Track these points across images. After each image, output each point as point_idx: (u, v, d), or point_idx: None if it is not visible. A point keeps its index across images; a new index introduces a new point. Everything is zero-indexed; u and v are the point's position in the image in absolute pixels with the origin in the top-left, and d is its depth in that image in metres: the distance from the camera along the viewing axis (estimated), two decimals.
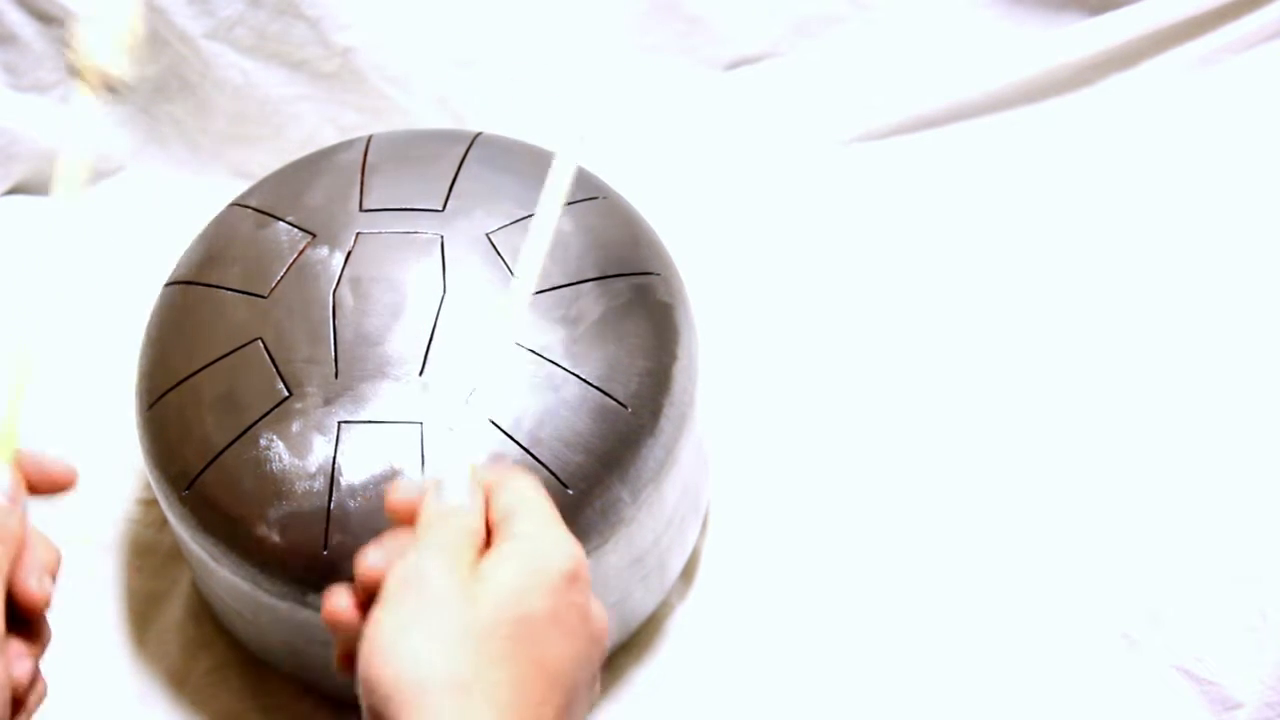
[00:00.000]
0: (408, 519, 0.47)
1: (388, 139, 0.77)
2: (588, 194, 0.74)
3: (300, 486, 0.64)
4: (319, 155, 0.77)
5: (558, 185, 0.51)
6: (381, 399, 0.65)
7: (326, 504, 0.63)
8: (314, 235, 0.70)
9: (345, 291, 0.68)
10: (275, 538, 0.64)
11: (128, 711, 0.74)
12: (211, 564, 0.67)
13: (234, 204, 0.75)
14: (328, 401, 0.65)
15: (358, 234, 0.70)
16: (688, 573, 0.78)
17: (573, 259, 0.69)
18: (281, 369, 0.66)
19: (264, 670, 0.75)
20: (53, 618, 0.48)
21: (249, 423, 0.65)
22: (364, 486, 0.63)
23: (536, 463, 0.64)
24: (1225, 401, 0.83)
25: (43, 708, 0.47)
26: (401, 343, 0.66)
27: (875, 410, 0.86)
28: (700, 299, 0.75)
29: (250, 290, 0.69)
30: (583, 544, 0.64)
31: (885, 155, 1.01)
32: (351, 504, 0.63)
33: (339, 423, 0.64)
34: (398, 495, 0.48)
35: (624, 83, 1.04)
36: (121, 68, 0.53)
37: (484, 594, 0.43)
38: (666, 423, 0.67)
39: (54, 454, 0.48)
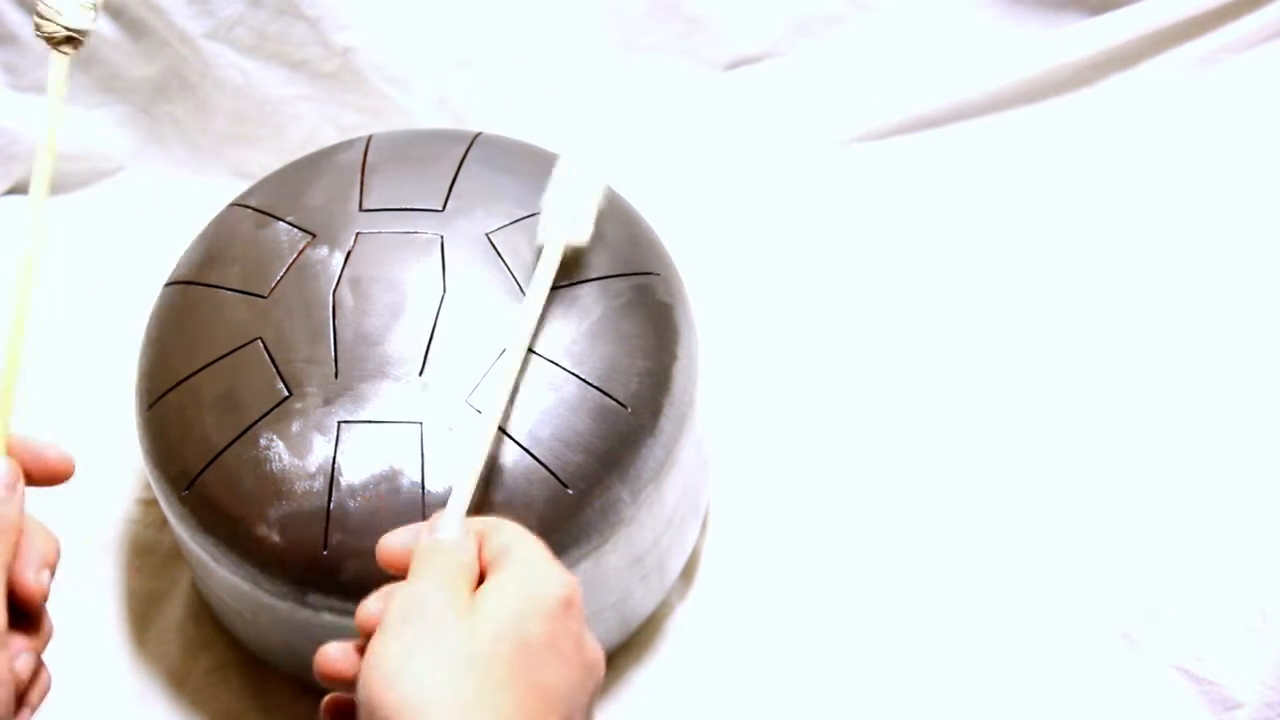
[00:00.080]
0: (401, 567, 0.47)
1: (388, 139, 0.77)
2: None
3: (300, 486, 0.64)
4: (319, 155, 0.77)
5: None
6: (381, 399, 0.65)
7: (326, 504, 0.63)
8: (314, 235, 0.70)
9: (345, 291, 0.68)
10: (275, 538, 0.64)
11: (128, 711, 0.74)
12: (211, 564, 0.67)
13: (234, 204, 0.75)
14: (328, 401, 0.65)
15: (358, 234, 0.70)
16: (688, 573, 0.78)
17: (573, 259, 0.69)
18: (281, 369, 0.66)
19: (264, 670, 0.75)
20: (52, 618, 0.48)
21: (249, 423, 0.65)
22: (364, 486, 0.63)
23: (536, 463, 0.64)
24: (1225, 402, 0.83)
25: (44, 705, 0.47)
26: (401, 343, 0.66)
27: (875, 410, 0.86)
28: (700, 299, 0.75)
29: (250, 290, 0.69)
30: (583, 544, 0.65)
31: (885, 155, 1.01)
32: (351, 504, 0.63)
33: (339, 423, 0.64)
34: (390, 545, 0.48)
35: (624, 83, 1.04)
36: (82, 20, 0.53)
37: (483, 620, 0.43)
38: (666, 423, 0.67)
39: (50, 442, 0.47)
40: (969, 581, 0.77)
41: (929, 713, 0.72)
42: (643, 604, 0.74)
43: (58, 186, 1.01)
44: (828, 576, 0.78)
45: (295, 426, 0.65)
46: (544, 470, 0.64)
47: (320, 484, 0.63)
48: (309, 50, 0.96)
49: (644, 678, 0.75)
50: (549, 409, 0.65)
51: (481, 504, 0.62)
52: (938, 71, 1.03)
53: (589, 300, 0.68)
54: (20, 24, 0.96)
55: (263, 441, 0.65)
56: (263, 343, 0.67)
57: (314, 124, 0.99)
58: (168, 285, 0.74)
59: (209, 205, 0.77)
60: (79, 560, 0.78)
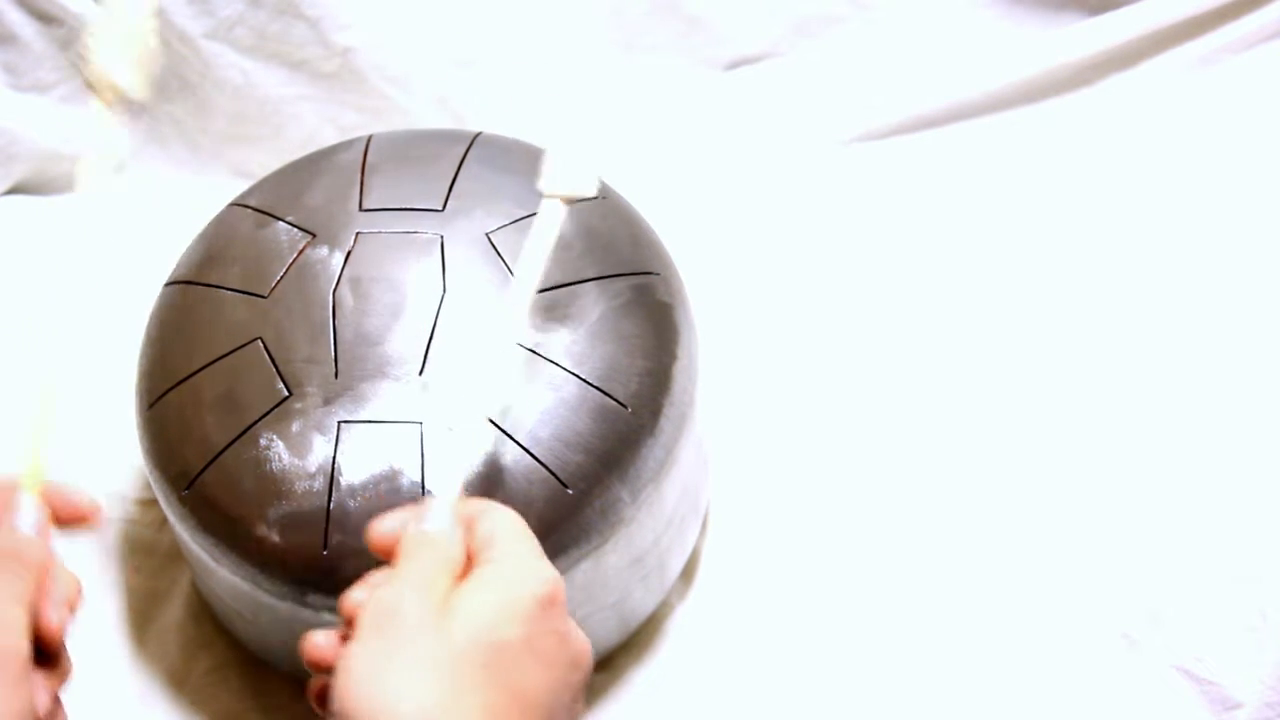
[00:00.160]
0: (389, 553, 0.47)
1: (388, 139, 0.77)
2: None
3: (300, 486, 0.64)
4: (319, 155, 0.77)
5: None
6: (381, 399, 0.65)
7: (326, 504, 0.63)
8: (314, 235, 0.71)
9: (345, 291, 0.68)
10: (275, 538, 0.64)
11: (128, 711, 0.74)
12: (211, 564, 0.67)
13: (234, 204, 0.75)
14: (328, 401, 0.65)
15: (358, 234, 0.70)
16: (688, 573, 0.78)
17: (573, 259, 0.69)
18: (281, 369, 0.66)
19: (264, 670, 0.75)
20: (71, 657, 0.48)
21: (249, 423, 0.65)
22: (364, 486, 0.63)
23: (536, 463, 0.64)
24: (1225, 402, 0.83)
25: None
26: (401, 343, 0.66)
27: (875, 410, 0.86)
28: (700, 299, 0.75)
29: (250, 290, 0.69)
30: (583, 544, 0.65)
31: (885, 155, 1.01)
32: (351, 504, 0.63)
33: (339, 423, 0.64)
34: (380, 530, 0.48)
35: (624, 83, 1.04)
36: (133, 81, 0.54)
37: (458, 623, 0.43)
38: (666, 423, 0.67)
39: (79, 488, 0.48)
40: (969, 581, 0.77)
41: (929, 713, 0.72)
42: (643, 604, 0.74)
43: (57, 186, 1.01)
44: (827, 576, 0.78)
45: (295, 426, 0.65)
46: (544, 470, 0.64)
47: (320, 484, 0.63)
48: (309, 50, 0.96)
49: (644, 678, 0.75)
50: (549, 409, 0.65)
51: None
52: (938, 71, 1.03)
53: (589, 300, 0.68)
54: (20, 24, 0.96)
55: (263, 441, 0.65)
56: (263, 343, 0.67)
57: (314, 124, 0.99)
58: (168, 285, 0.74)
59: (209, 205, 0.77)
60: (79, 560, 0.78)
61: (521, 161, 0.74)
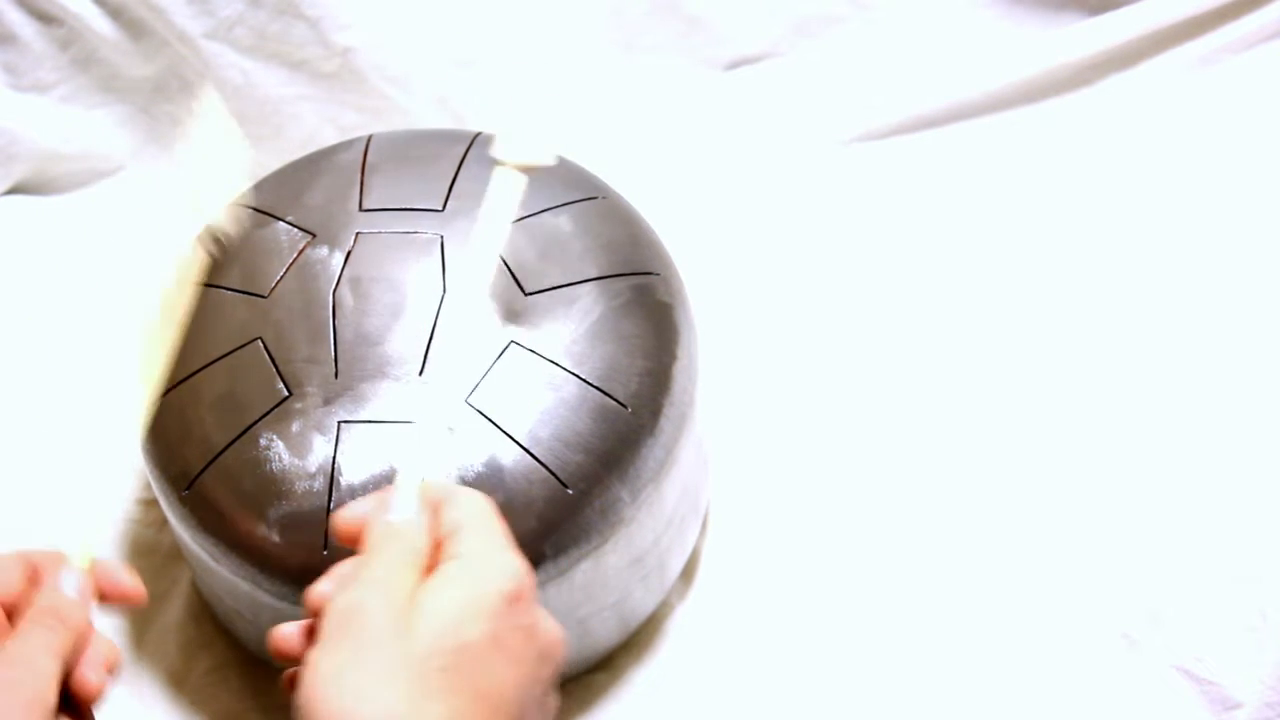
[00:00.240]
0: (355, 541, 0.47)
1: (388, 139, 0.77)
2: (588, 194, 0.74)
3: (300, 486, 0.64)
4: (319, 155, 0.77)
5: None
6: (381, 399, 0.65)
7: (326, 504, 0.63)
8: (314, 235, 0.70)
9: (345, 291, 0.68)
10: (275, 538, 0.64)
11: (128, 711, 0.74)
12: (211, 564, 0.67)
13: (234, 204, 0.75)
14: (328, 401, 0.65)
15: (357, 234, 0.70)
16: (688, 573, 0.78)
17: (573, 259, 0.69)
18: (281, 369, 0.66)
19: (264, 670, 0.75)
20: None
21: (249, 423, 0.65)
22: (364, 486, 0.63)
23: (536, 463, 0.64)
24: (1225, 402, 0.83)
25: None
26: (401, 343, 0.66)
27: (875, 410, 0.85)
28: (700, 299, 0.75)
29: (250, 290, 0.69)
30: (583, 544, 0.65)
31: (885, 155, 1.01)
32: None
33: (339, 422, 0.64)
34: (344, 518, 0.48)
35: (624, 83, 1.04)
36: (224, 227, 0.59)
37: (421, 625, 0.42)
38: (666, 423, 0.67)
39: (128, 573, 0.50)
40: (968, 582, 0.77)
41: (929, 713, 0.72)
42: (643, 604, 0.74)
43: (57, 186, 1.01)
44: (827, 576, 0.78)
45: (295, 426, 0.65)
46: (544, 470, 0.64)
47: (320, 484, 0.63)
48: (309, 50, 0.96)
49: (644, 678, 0.75)
50: (549, 409, 0.65)
51: None
52: (938, 71, 1.03)
53: (589, 300, 0.68)
54: (20, 24, 0.96)
55: (263, 441, 0.65)
56: (263, 343, 0.67)
57: (314, 124, 0.99)
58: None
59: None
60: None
61: None
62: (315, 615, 0.46)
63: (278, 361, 0.66)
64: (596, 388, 0.66)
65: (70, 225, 0.99)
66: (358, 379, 0.65)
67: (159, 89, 1.00)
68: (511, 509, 0.63)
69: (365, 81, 0.98)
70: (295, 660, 0.46)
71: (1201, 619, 0.73)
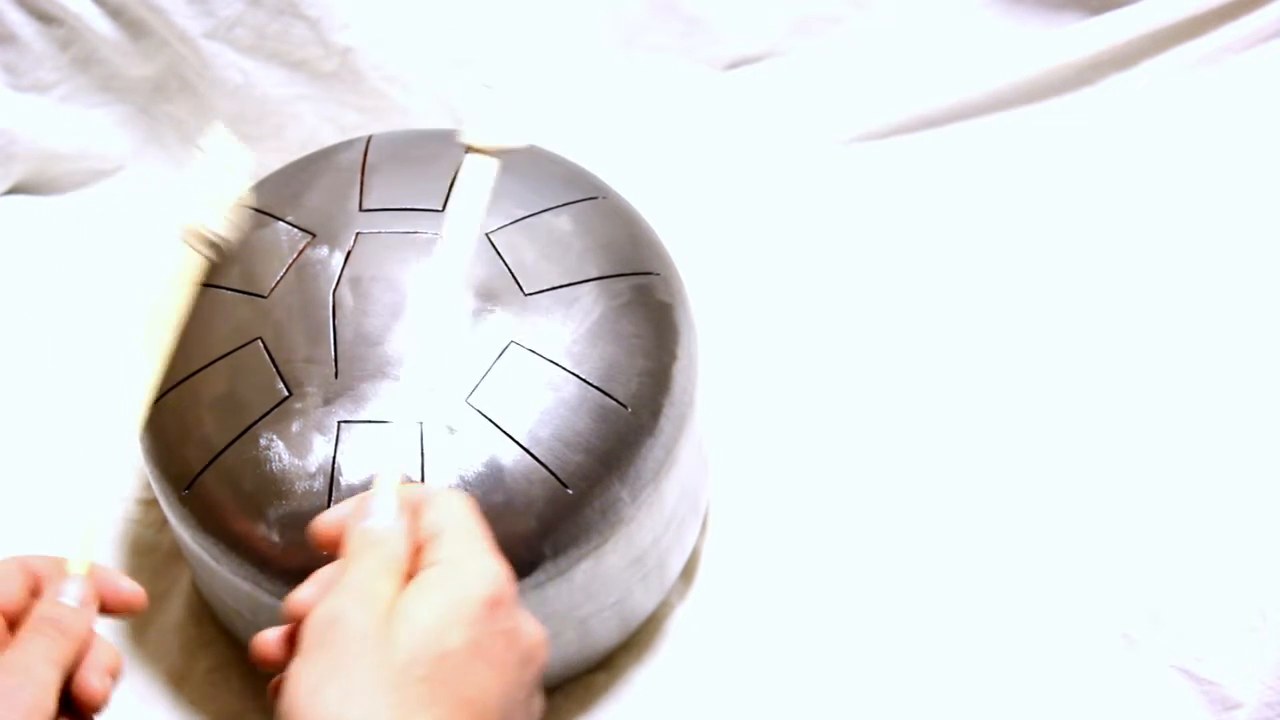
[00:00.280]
0: (336, 547, 0.47)
1: (388, 139, 0.77)
2: (588, 194, 0.74)
3: (300, 486, 0.64)
4: (319, 155, 0.77)
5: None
6: (381, 399, 0.65)
7: (326, 504, 0.63)
8: (314, 235, 0.70)
9: (345, 291, 0.68)
10: (275, 538, 0.64)
11: (128, 711, 0.74)
12: (211, 564, 0.67)
13: (234, 206, 0.75)
14: (327, 401, 0.65)
15: (357, 234, 0.70)
16: (688, 573, 0.78)
17: (573, 259, 0.69)
18: (281, 369, 0.66)
19: (264, 670, 0.75)
20: None
21: (249, 423, 0.65)
22: (364, 486, 0.63)
23: (536, 463, 0.64)
24: (1225, 402, 0.83)
25: None
26: (401, 343, 0.66)
27: (875, 410, 0.86)
28: (700, 299, 0.75)
29: (250, 290, 0.69)
30: (583, 544, 0.65)
31: (885, 155, 1.01)
32: None
33: (339, 422, 0.64)
34: (324, 524, 0.47)
35: (623, 83, 1.04)
36: (222, 230, 0.58)
37: (402, 633, 0.42)
38: (666, 423, 0.67)
39: (127, 580, 0.50)
40: (968, 581, 0.77)
41: (929, 713, 0.72)
42: (643, 604, 0.74)
43: (57, 186, 1.01)
44: (827, 576, 0.78)
45: (295, 426, 0.65)
46: (544, 470, 0.64)
47: (320, 484, 0.63)
48: (309, 50, 0.96)
49: (644, 678, 0.75)
50: (549, 409, 0.65)
51: (482, 504, 0.62)
52: (938, 71, 1.03)
53: (589, 300, 0.68)
54: (20, 24, 0.96)
55: (263, 441, 0.65)
56: (263, 343, 0.67)
57: (314, 124, 0.99)
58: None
59: None
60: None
61: (521, 161, 0.74)
62: (296, 621, 0.45)
63: (278, 361, 0.66)
64: (596, 388, 0.66)
65: (70, 225, 0.99)
66: (358, 379, 0.65)
67: (159, 89, 1.00)
68: (511, 509, 0.63)
69: (365, 81, 0.98)
70: (278, 667, 0.46)
71: (1201, 619, 0.73)
